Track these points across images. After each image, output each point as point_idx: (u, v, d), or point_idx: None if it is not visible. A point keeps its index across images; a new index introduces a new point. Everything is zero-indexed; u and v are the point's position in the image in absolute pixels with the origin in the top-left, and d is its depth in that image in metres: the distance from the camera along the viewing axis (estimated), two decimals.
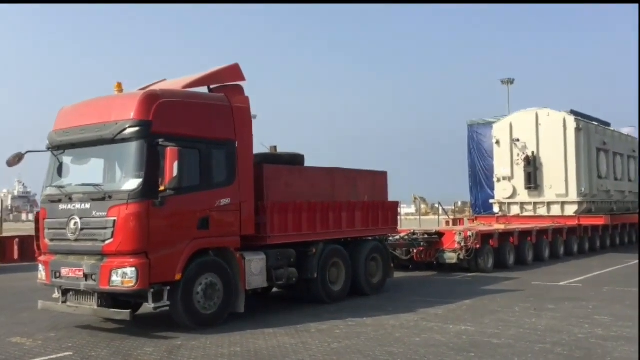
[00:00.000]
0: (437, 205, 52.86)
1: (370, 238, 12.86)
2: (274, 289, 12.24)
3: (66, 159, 9.63)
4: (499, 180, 23.94)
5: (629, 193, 27.17)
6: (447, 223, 27.85)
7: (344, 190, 12.27)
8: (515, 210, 23.47)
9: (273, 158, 11.56)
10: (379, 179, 13.38)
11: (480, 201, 27.65)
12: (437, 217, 41.76)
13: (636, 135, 59.07)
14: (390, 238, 16.43)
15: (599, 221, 22.28)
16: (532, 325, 8.57)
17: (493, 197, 24.44)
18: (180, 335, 8.43)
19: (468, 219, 26.89)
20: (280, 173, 11.02)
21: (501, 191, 23.84)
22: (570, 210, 22.34)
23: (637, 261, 17.60)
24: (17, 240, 18.80)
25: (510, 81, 58.79)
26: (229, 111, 9.87)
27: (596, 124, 24.69)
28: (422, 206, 61.55)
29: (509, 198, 23.54)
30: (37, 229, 9.65)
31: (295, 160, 11.85)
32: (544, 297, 11.33)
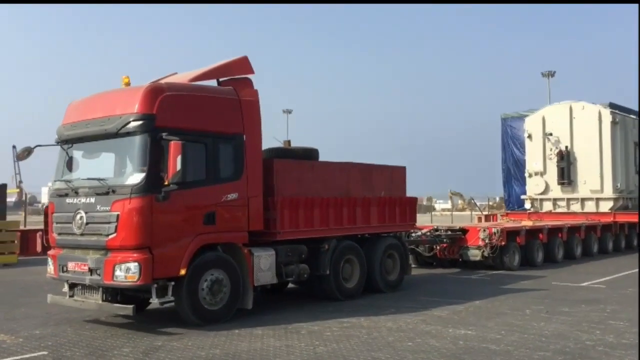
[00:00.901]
0: (473, 201, 52.16)
1: (387, 234, 12.55)
2: (291, 285, 12.11)
3: (75, 153, 9.65)
4: (530, 176, 23.25)
5: None
6: (480, 219, 27.21)
7: (359, 185, 12.00)
8: (547, 206, 22.75)
9: (285, 152, 11.38)
10: (396, 173, 13.05)
11: (514, 197, 26.91)
12: (476, 213, 40.93)
13: None
14: (413, 234, 16.20)
15: (635, 218, 21.37)
16: (538, 330, 8.10)
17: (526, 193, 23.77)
18: (168, 335, 8.22)
19: (501, 215, 26.26)
20: (291, 168, 10.82)
21: (533, 187, 23.15)
22: (605, 206, 21.52)
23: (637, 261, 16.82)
24: (39, 233, 19.17)
25: (551, 74, 57.45)
26: (237, 104, 9.72)
27: (634, 117, 23.67)
28: (460, 202, 60.67)
29: (541, 194, 22.84)
30: (46, 223, 9.72)
31: (309, 154, 11.63)
32: (561, 298, 10.84)
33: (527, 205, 23.50)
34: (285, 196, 10.35)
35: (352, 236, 11.74)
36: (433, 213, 72.71)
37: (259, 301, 10.42)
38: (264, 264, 9.83)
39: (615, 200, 21.45)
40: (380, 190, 12.36)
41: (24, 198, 25.15)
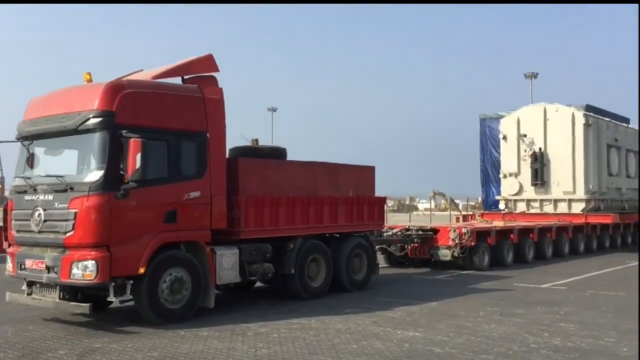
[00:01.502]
0: (457, 201, 52.50)
1: (355, 234, 12.59)
2: (259, 283, 12.10)
3: (37, 150, 9.55)
4: (505, 177, 23.45)
5: None
6: (458, 219, 27.43)
7: (327, 184, 12.02)
8: (521, 207, 22.96)
9: (252, 151, 11.37)
10: (365, 173, 13.09)
11: (492, 197, 27.16)
12: (455, 213, 41.15)
13: None
14: (385, 234, 16.27)
15: (607, 219, 21.65)
16: (487, 332, 8.07)
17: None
18: (113, 336, 8.08)
19: (479, 215, 26.45)
20: (257, 166, 10.81)
21: (507, 187, 23.36)
22: (578, 208, 21.77)
23: (636, 262, 17.02)
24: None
25: (534, 75, 57.97)
26: (201, 102, 9.67)
27: (608, 119, 23.95)
28: (442, 201, 61.01)
29: (515, 195, 23.04)
30: (5, 220, 9.61)
31: (276, 153, 11.64)
32: (519, 300, 10.85)
33: (502, 205, 23.70)
34: (250, 195, 10.33)
35: (319, 235, 11.76)
36: (415, 213, 73.22)
37: (220, 300, 10.40)
38: (227, 263, 9.80)
39: (587, 201, 21.69)
40: (349, 190, 12.38)
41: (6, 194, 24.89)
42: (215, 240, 9.86)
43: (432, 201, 60.55)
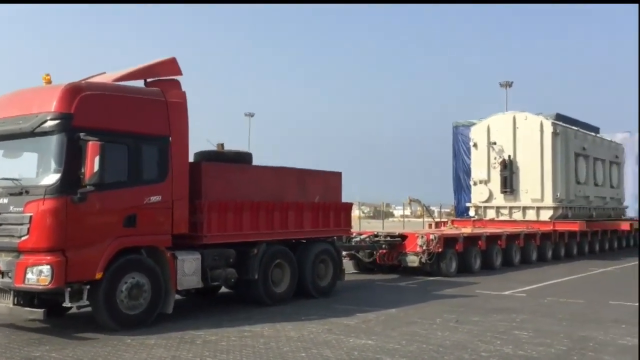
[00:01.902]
0: (432, 208, 52.91)
1: (321, 240, 12.58)
2: (224, 288, 12.00)
3: None
4: (475, 184, 23.70)
5: (610, 199, 26.89)
6: (430, 226, 27.62)
7: (293, 190, 12.00)
8: (491, 214, 23.20)
9: (217, 156, 11.29)
10: (332, 179, 13.10)
11: (464, 204, 27.45)
12: (428, 219, 41.36)
13: (631, 141, 58.75)
14: (353, 240, 16.31)
15: (574, 227, 21.97)
16: (440, 340, 8.03)
17: None
18: (59, 343, 7.90)
19: (450, 222, 26.65)
20: (221, 171, 10.75)
21: (478, 195, 23.60)
22: (545, 215, 22.07)
23: (601, 270, 17.30)
24: None
25: (509, 84, 58.80)
26: (164, 106, 9.60)
27: (576, 128, 24.37)
28: (418, 208, 61.33)
29: (485, 202, 23.29)
30: None
31: (241, 158, 11.58)
32: (477, 307, 10.83)
33: (472, 212, 23.93)
34: (213, 199, 10.27)
35: (284, 241, 11.73)
36: (391, 219, 73.54)
37: (180, 305, 10.29)
38: (188, 268, 9.71)
39: (555, 209, 22.00)
40: (315, 196, 12.38)
41: None
42: (177, 245, 9.77)
43: (409, 208, 60.95)
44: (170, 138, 9.57)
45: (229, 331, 8.66)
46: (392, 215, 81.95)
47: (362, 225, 47.36)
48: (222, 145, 11.84)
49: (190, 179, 9.92)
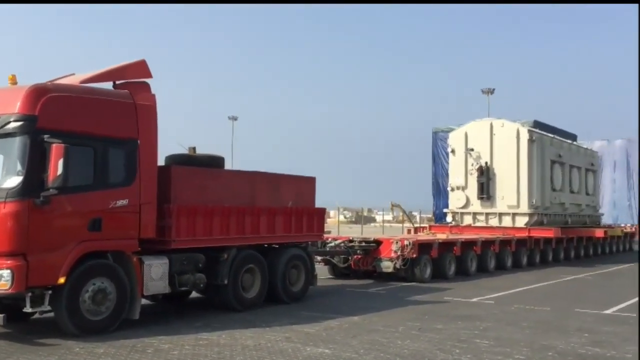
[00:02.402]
0: (414, 213, 53.06)
1: (293, 245, 12.51)
2: (195, 293, 11.87)
3: None
4: (453, 190, 23.80)
5: (586, 206, 27.17)
6: (409, 231, 27.69)
7: (266, 194, 11.92)
8: (468, 220, 23.33)
9: (187, 159, 11.19)
10: (305, 184, 13.04)
11: (442, 209, 27.57)
12: (408, 225, 41.44)
13: (607, 150, 59.57)
14: (328, 245, 16.26)
15: (549, 233, 22.16)
16: (399, 348, 7.90)
17: None
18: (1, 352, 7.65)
19: (427, 228, 26.74)
20: (191, 175, 10.63)
21: (455, 201, 23.71)
22: (521, 221, 22.22)
23: (572, 277, 17.43)
24: None
25: (491, 91, 59.31)
26: (132, 108, 9.48)
27: (552, 136, 24.60)
28: (400, 213, 61.45)
29: (462, 208, 23.40)
30: None
31: (213, 162, 11.48)
32: (442, 314, 10.74)
33: (449, 218, 24.03)
34: (183, 204, 10.15)
35: (256, 246, 11.65)
36: (373, 224, 73.62)
37: (146, 311, 10.17)
38: (155, 273, 9.59)
39: (531, 215, 22.17)
40: (288, 200, 12.32)
41: None
42: (145, 249, 9.66)
43: (391, 213, 61.14)
44: (138, 141, 9.45)
45: (185, 339, 8.46)
46: (374, 220, 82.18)
47: (343, 230, 47.44)
48: (194, 148, 11.74)
49: (159, 183, 9.81)
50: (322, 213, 13.32)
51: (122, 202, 9.15)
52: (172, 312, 10.98)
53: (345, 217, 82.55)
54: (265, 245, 12.15)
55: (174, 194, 10.12)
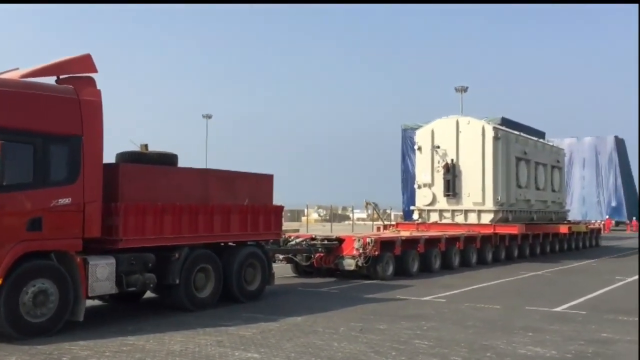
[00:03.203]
0: (388, 211, 53.20)
1: (249, 243, 12.34)
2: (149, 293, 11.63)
3: None
4: (419, 187, 23.83)
5: (551, 203, 27.41)
6: (379, 229, 27.69)
7: (220, 192, 11.72)
8: (434, 217, 23.36)
9: (138, 157, 10.94)
10: (263, 182, 12.87)
11: (410, 207, 27.60)
12: (378, 223, 41.44)
13: (577, 147, 60.32)
14: (289, 243, 16.12)
15: (513, 230, 22.28)
16: (333, 352, 7.63)
17: None
18: None
19: (393, 225, 26.75)
20: (140, 173, 10.41)
21: (421, 198, 23.74)
22: (487, 218, 22.32)
23: (531, 274, 17.51)
24: None
25: (464, 89, 59.80)
26: (76, 104, 9.21)
27: (517, 133, 24.78)
28: (374, 211, 61.60)
29: (428, 205, 23.43)
30: None
31: (166, 160, 11.24)
32: (390, 313, 10.47)
33: (415, 216, 24.05)
34: (131, 202, 9.91)
35: (211, 244, 11.46)
36: (347, 222, 73.59)
37: (93, 312, 9.90)
38: (100, 274, 9.34)
39: (496, 212, 22.28)
40: (244, 198, 12.14)
41: None
42: (92, 249, 9.41)
43: (366, 211, 61.33)
44: (82, 138, 9.19)
45: (109, 344, 8.05)
46: (348, 218, 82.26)
47: (316, 228, 47.21)
48: (145, 146, 11.48)
49: (106, 181, 9.57)
50: (279, 211, 13.16)
51: (64, 201, 8.89)
52: (118, 313, 10.70)
53: (319, 215, 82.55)
54: (222, 244, 11.96)
55: (121, 192, 9.89)
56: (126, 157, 10.85)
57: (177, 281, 10.48)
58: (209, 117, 75.96)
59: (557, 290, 14.00)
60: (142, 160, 10.87)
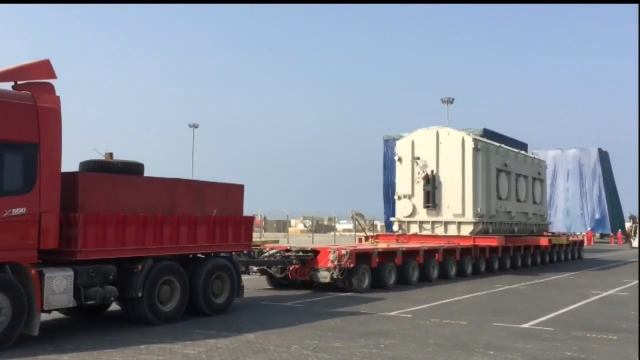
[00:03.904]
0: (377, 222, 53.05)
1: (217, 255, 12.07)
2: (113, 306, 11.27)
3: None
4: (399, 198, 23.66)
5: (533, 215, 27.36)
6: (360, 240, 27.47)
7: (187, 203, 11.45)
8: (414, 229, 23.17)
9: (102, 166, 10.67)
10: (233, 192, 12.63)
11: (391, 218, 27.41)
12: (360, 234, 41.11)
13: (561, 158, 60.47)
14: (264, 255, 15.84)
15: (493, 242, 22.15)
16: None
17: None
18: None
19: (373, 237, 26.52)
20: (102, 182, 10.13)
21: (402, 209, 23.55)
22: (466, 230, 22.18)
23: (506, 287, 17.28)
24: None
25: (450, 100, 60.03)
26: (33, 111, 8.94)
27: (498, 144, 24.74)
28: (361, 222, 61.41)
29: (408, 216, 23.25)
30: None
31: (131, 169, 10.97)
32: (349, 330, 9.93)
33: (395, 227, 23.87)
34: (91, 212, 9.62)
35: (178, 256, 11.18)
36: (332, 233, 73.27)
37: (48, 326, 9.51)
38: (57, 286, 9.02)
39: (475, 224, 22.14)
40: (213, 209, 11.87)
41: None
42: (51, 261, 9.11)
43: (352, 222, 61.02)
44: (39, 145, 8.91)
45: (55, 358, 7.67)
46: (334, 229, 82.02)
47: (301, 239, 46.74)
48: (110, 154, 11.21)
49: (65, 190, 9.29)
50: (250, 222, 12.90)
51: (18, 211, 8.60)
52: (75, 327, 10.35)
53: (305, 226, 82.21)
54: (190, 256, 11.68)
55: (81, 201, 9.60)
56: (89, 166, 10.59)
57: (140, 294, 10.18)
58: (195, 126, 75.74)
59: (529, 304, 13.60)
60: (106, 169, 10.60)
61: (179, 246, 11.09)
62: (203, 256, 11.94)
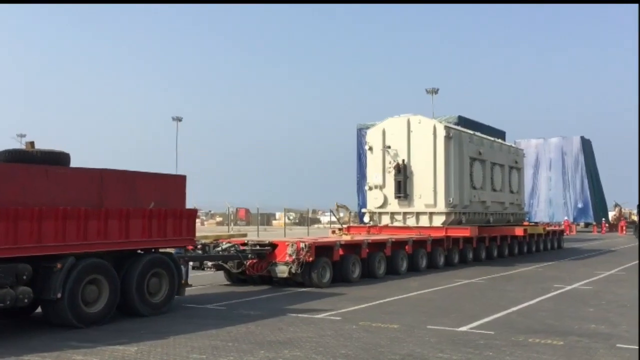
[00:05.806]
0: (334, 213, 52.13)
1: (155, 250, 11.19)
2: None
3: None
4: (370, 189, 22.87)
5: (509, 204, 26.66)
6: (333, 232, 26.67)
7: (118, 195, 10.55)
8: (385, 220, 22.42)
9: (20, 156, 9.75)
10: (172, 183, 11.74)
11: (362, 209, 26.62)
12: (336, 225, 40.25)
13: (543, 147, 59.85)
14: (218, 249, 15.00)
15: (465, 233, 21.39)
16: None
17: None
18: None
19: (342, 229, 25.74)
20: (14, 173, 9.19)
21: (373, 200, 22.78)
22: (439, 221, 21.43)
23: (465, 282, 16.41)
24: None
25: (435, 91, 59.30)
26: None
27: (471, 132, 23.96)
28: (344, 214, 60.62)
29: (380, 207, 22.49)
30: None
31: (53, 159, 10.05)
32: (256, 339, 8.70)
33: (366, 218, 23.10)
34: (1, 206, 8.71)
35: (109, 253, 10.30)
36: (317, 225, 72.48)
37: None
38: None
39: (448, 215, 21.39)
40: (149, 202, 10.98)
41: None
42: None
43: (337, 214, 60.18)
44: None
45: None
46: (319, 221, 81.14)
47: (279, 232, 45.73)
48: (32, 143, 10.28)
49: None
50: (192, 215, 12.00)
51: None
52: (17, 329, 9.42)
53: (289, 219, 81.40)
54: (126, 252, 10.79)
55: None
56: (5, 156, 9.66)
57: (59, 295, 9.28)
58: (179, 119, 74.57)
59: (479, 302, 12.36)
60: (24, 160, 9.68)
61: (108, 242, 10.19)
62: (141, 252, 11.07)
